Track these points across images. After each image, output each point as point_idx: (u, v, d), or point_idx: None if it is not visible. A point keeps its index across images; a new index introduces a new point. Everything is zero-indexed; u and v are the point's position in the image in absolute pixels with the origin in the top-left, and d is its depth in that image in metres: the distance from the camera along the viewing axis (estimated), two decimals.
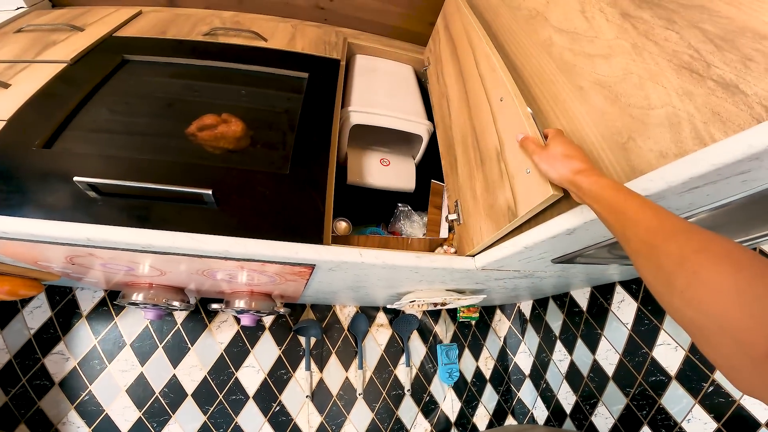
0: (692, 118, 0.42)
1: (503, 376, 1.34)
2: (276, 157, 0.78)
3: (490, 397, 1.28)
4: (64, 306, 1.02)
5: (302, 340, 1.14)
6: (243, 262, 0.67)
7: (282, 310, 0.97)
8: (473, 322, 1.35)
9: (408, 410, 1.18)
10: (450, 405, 1.23)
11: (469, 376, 1.28)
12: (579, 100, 0.57)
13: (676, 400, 0.87)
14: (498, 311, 1.42)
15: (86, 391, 0.98)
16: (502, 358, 1.36)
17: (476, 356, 1.32)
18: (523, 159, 0.58)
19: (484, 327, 1.37)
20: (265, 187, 0.68)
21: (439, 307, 1.01)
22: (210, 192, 0.62)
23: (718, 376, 0.80)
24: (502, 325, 1.40)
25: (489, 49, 0.76)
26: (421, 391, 1.21)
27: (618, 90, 0.51)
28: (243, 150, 0.80)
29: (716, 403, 0.80)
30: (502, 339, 1.38)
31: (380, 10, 1.14)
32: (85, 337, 1.01)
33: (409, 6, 1.14)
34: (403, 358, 1.22)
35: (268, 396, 1.08)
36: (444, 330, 1.30)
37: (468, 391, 1.27)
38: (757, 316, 0.25)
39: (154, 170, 0.67)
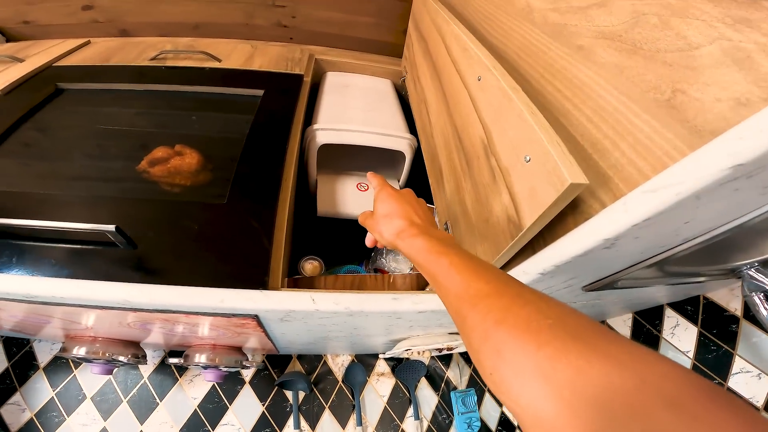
0: (766, 47, 0.24)
1: None
2: (213, 183, 0.63)
3: None
4: (21, 357, 0.90)
5: (289, 394, 0.94)
6: (166, 315, 0.50)
7: (254, 365, 0.79)
8: None
9: None
10: None
11: (493, 425, 1.03)
12: (582, 62, 0.39)
13: None
14: None
15: None
16: None
17: (499, 401, 1.06)
18: (521, 141, 0.39)
19: None
20: (194, 220, 0.52)
21: (445, 352, 0.79)
22: (113, 228, 0.46)
23: None
24: None
25: (457, 29, 0.60)
26: None
27: (633, 37, 0.34)
28: (203, 185, 0.65)
29: None
30: None
31: (348, 22, 1.02)
32: (42, 389, 0.88)
33: (377, 15, 1.01)
34: (410, 411, 0.99)
35: None
36: (458, 374, 1.06)
37: None
38: (571, 408, 0.18)
39: (60, 206, 0.53)
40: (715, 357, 0.71)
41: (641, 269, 0.42)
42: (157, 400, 0.89)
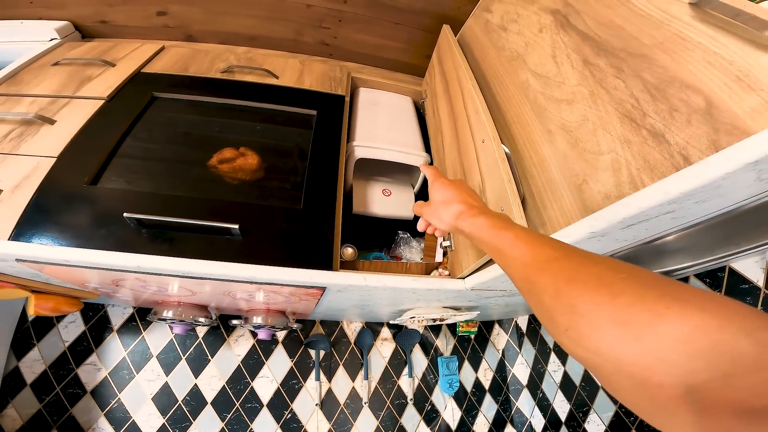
0: (629, 164, 0.51)
1: (502, 387, 1.43)
2: (289, 190, 0.90)
3: (489, 407, 1.37)
4: (97, 321, 1.14)
5: (312, 352, 1.25)
6: (265, 286, 0.79)
7: (294, 326, 1.09)
8: (472, 336, 1.44)
9: (411, 418, 1.28)
10: (451, 414, 1.32)
11: (468, 387, 1.38)
12: (548, 143, 0.66)
13: None
14: (496, 325, 1.51)
15: (115, 399, 1.10)
16: (501, 370, 1.45)
17: (476, 368, 1.42)
18: (499, 196, 0.69)
19: (483, 340, 1.47)
20: (282, 220, 0.80)
21: (438, 323, 1.11)
22: (237, 226, 0.74)
23: None
24: (500, 338, 1.50)
25: (474, 91, 0.86)
26: (423, 400, 1.31)
27: (577, 135, 0.60)
28: (258, 181, 0.92)
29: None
30: (500, 351, 1.48)
31: (380, 45, 1.27)
32: (115, 350, 1.13)
33: (406, 41, 1.27)
34: (405, 370, 1.32)
35: (280, 404, 1.19)
36: (445, 343, 1.40)
37: (468, 400, 1.36)
38: (650, 349, 0.21)
39: (187, 206, 0.79)
40: None
41: None
42: (209, 357, 1.18)
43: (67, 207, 0.74)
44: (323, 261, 0.77)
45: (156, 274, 0.73)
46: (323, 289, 0.80)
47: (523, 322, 1.44)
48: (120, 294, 0.97)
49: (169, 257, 0.71)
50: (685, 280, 0.91)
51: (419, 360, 1.35)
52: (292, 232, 0.79)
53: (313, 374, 1.23)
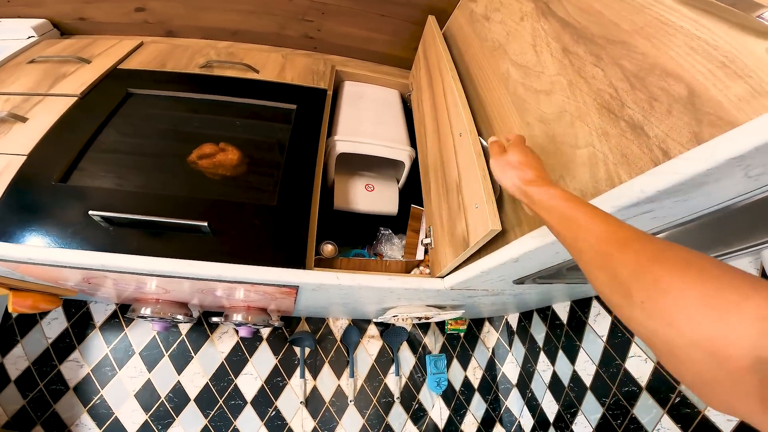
0: (606, 159, 0.47)
1: (491, 386, 1.39)
2: (267, 185, 0.87)
3: (478, 406, 1.34)
4: (79, 318, 1.12)
5: (297, 350, 1.22)
6: (235, 284, 0.75)
7: (277, 323, 1.06)
8: (461, 334, 1.41)
9: (397, 417, 1.25)
10: (438, 413, 1.29)
11: (457, 386, 1.34)
12: (528, 136, 0.62)
13: (646, 410, 0.92)
14: (487, 323, 1.47)
15: (98, 396, 1.08)
16: (491, 368, 1.42)
17: (465, 366, 1.38)
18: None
19: (473, 338, 1.43)
20: (255, 217, 0.76)
21: (424, 321, 1.07)
22: (206, 224, 0.70)
23: (684, 388, 0.85)
24: (490, 336, 1.46)
25: (454, 83, 0.82)
26: (410, 399, 1.28)
27: (555, 128, 0.56)
28: (240, 176, 0.88)
29: (683, 414, 0.85)
30: (490, 350, 1.44)
31: (365, 38, 1.23)
32: (98, 346, 1.11)
33: (393, 33, 1.22)
34: (392, 368, 1.29)
35: (264, 401, 1.16)
36: (433, 341, 1.37)
37: (456, 399, 1.33)
38: (731, 325, 0.24)
39: (157, 203, 0.75)
40: (618, 342, 1.00)
41: (545, 273, 0.69)
42: (192, 354, 1.16)
43: (36, 205, 0.71)
44: (296, 259, 0.74)
45: (123, 272, 0.70)
46: (296, 288, 0.76)
47: (513, 320, 1.40)
48: (99, 291, 0.95)
49: (133, 255, 0.68)
50: None
51: (407, 358, 1.32)
52: (264, 229, 0.75)
53: (298, 372, 1.20)
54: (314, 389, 1.21)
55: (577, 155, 0.52)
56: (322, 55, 1.23)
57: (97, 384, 1.08)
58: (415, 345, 1.34)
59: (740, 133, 0.35)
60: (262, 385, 1.17)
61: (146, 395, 1.10)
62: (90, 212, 0.68)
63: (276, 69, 1.08)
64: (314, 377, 1.22)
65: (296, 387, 1.19)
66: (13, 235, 0.67)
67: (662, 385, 0.89)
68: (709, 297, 0.25)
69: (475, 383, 1.37)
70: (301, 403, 1.17)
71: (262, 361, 1.19)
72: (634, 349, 0.96)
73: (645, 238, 0.32)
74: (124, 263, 0.67)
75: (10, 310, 0.89)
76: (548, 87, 0.60)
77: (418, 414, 1.27)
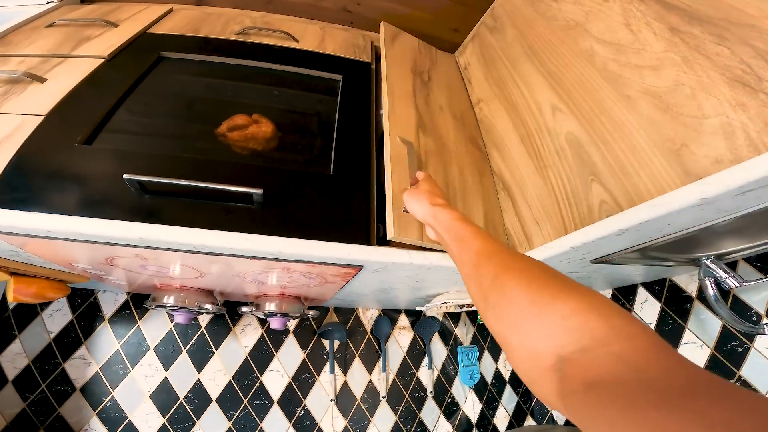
0: (746, 127, 0.46)
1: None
2: (313, 156, 0.80)
3: (509, 399, 1.31)
4: (86, 309, 1.02)
5: (326, 343, 1.16)
6: (289, 264, 0.69)
7: (311, 313, 0.99)
8: None
9: (430, 412, 1.20)
10: (471, 406, 1.26)
11: (489, 378, 1.31)
12: (627, 109, 0.61)
13: None
14: None
15: (109, 397, 0.98)
16: None
17: (495, 358, 1.35)
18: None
19: None
20: (310, 187, 0.70)
21: (463, 309, 1.03)
22: (260, 192, 0.63)
23: (744, 372, 0.84)
24: None
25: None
26: (442, 393, 1.24)
27: (669, 100, 0.55)
28: (270, 151, 0.82)
29: None
30: None
31: (405, 15, 1.18)
32: (107, 341, 1.02)
33: (434, 11, 1.18)
34: (425, 361, 1.24)
35: (292, 400, 1.09)
36: (464, 332, 1.33)
37: (488, 392, 1.30)
38: (544, 325, 0.27)
39: (198, 168, 0.69)
40: (670, 329, 0.99)
41: (632, 252, 0.66)
42: (213, 349, 1.08)
43: (55, 169, 0.63)
44: (360, 235, 0.68)
45: (161, 249, 0.63)
46: (359, 267, 0.70)
47: None
48: (113, 277, 0.86)
49: (181, 228, 0.60)
50: (733, 264, 0.86)
51: (438, 350, 1.28)
52: (322, 200, 0.70)
53: (327, 367, 1.14)
54: (344, 385, 1.15)
55: (704, 125, 0.51)
56: (360, 30, 1.17)
57: (107, 384, 0.99)
58: (446, 336, 1.30)
59: None
60: (290, 382, 1.10)
61: (163, 396, 1.01)
62: (125, 176, 0.60)
63: (316, 40, 1.03)
64: (344, 372, 1.16)
65: (326, 383, 1.12)
66: (25, 202, 0.58)
67: (721, 372, 0.88)
68: (532, 300, 0.30)
69: (506, 375, 1.35)
70: (331, 401, 1.11)
71: (289, 356, 1.12)
72: (687, 335, 0.95)
73: (506, 251, 0.38)
74: (166, 237, 0.60)
75: (9, 299, 0.80)
76: (655, 63, 0.59)
77: (450, 408, 1.23)
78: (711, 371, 0.91)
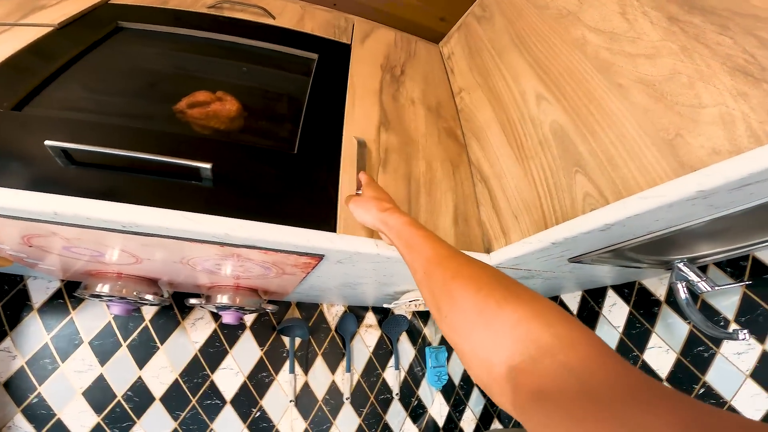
0: (747, 117, 0.43)
1: None
2: (280, 134, 0.73)
3: (477, 401, 1.28)
4: (13, 297, 0.90)
5: (286, 340, 1.08)
6: (241, 250, 0.60)
7: (269, 308, 0.91)
8: None
9: (396, 415, 1.15)
10: (438, 409, 1.21)
11: (457, 380, 1.27)
12: (618, 98, 0.57)
13: None
14: None
15: (35, 393, 0.87)
16: None
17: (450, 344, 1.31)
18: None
19: None
20: (270, 165, 0.63)
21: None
22: (209, 166, 0.55)
23: (709, 378, 0.83)
24: None
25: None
26: (409, 395, 1.18)
27: (664, 89, 0.52)
28: (234, 131, 0.74)
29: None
30: None
31: (393, 1, 1.12)
32: (35, 333, 0.90)
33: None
34: (391, 361, 1.18)
35: (247, 401, 1.00)
36: (433, 332, 1.28)
37: (456, 394, 1.25)
38: (494, 333, 0.27)
39: (139, 139, 0.60)
40: (638, 332, 0.98)
41: (608, 251, 0.63)
42: (158, 344, 0.97)
43: None
44: (323, 221, 0.61)
45: (82, 226, 0.53)
46: (320, 257, 0.63)
47: None
48: (39, 260, 0.75)
49: (104, 202, 0.52)
50: (704, 268, 0.85)
51: (406, 350, 1.22)
52: (282, 181, 0.62)
53: (286, 366, 1.06)
54: (305, 386, 1.07)
55: (702, 114, 0.47)
56: (342, 13, 1.09)
57: (33, 379, 0.88)
58: (414, 335, 1.25)
59: None
60: (245, 381, 1.01)
61: (98, 394, 0.91)
62: (46, 142, 0.51)
63: (294, 18, 0.95)
64: (305, 372, 1.08)
65: (285, 383, 1.04)
66: None
67: (685, 376, 0.87)
68: (480, 309, 0.29)
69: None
70: (290, 401, 1.03)
71: (245, 353, 1.03)
72: (654, 339, 0.94)
73: (456, 257, 0.37)
74: (85, 211, 0.51)
75: None
76: (650, 51, 0.55)
77: (417, 411, 1.18)
78: (677, 376, 0.91)
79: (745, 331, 0.76)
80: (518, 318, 0.27)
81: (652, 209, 0.47)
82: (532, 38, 0.79)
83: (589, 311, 1.10)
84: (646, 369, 0.94)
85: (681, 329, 0.88)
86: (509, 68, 0.83)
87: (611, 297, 1.05)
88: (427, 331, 1.27)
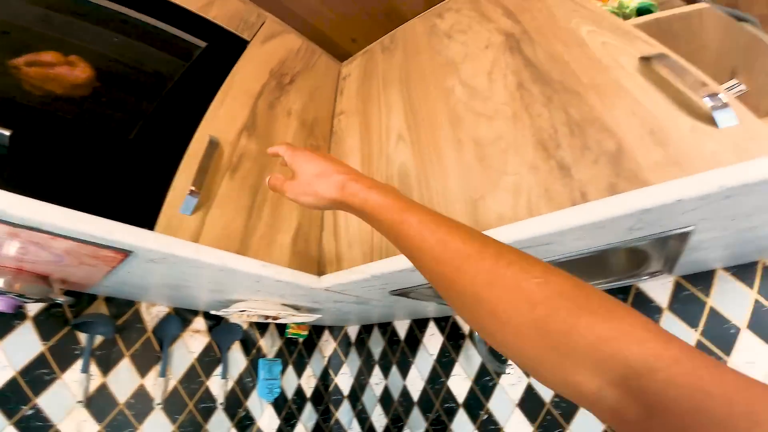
0: (531, 190, 0.51)
1: (323, 396, 1.34)
2: (112, 119, 0.63)
3: (309, 416, 1.27)
4: None
5: (83, 337, 0.91)
6: (22, 230, 0.49)
7: (60, 299, 0.76)
8: (301, 340, 1.32)
9: (219, 424, 1.05)
10: (268, 422, 1.16)
11: (290, 394, 1.25)
12: (454, 152, 0.63)
13: (462, 425, 1.02)
14: (326, 331, 1.43)
15: None
16: (324, 378, 1.37)
17: (299, 373, 1.30)
18: None
19: (311, 345, 1.36)
20: (92, 146, 0.54)
21: (269, 321, 0.95)
22: (7, 134, 0.45)
23: (491, 405, 0.97)
24: (328, 345, 1.42)
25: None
26: (236, 405, 1.11)
27: (487, 151, 0.59)
28: (74, 99, 0.63)
29: (488, 429, 0.97)
30: (326, 359, 1.40)
31: (314, 9, 1.10)
32: None
33: (342, 16, 1.13)
34: (218, 369, 1.10)
35: (16, 397, 0.81)
36: (270, 344, 1.24)
37: (288, 408, 1.22)
38: (569, 355, 0.24)
39: None
40: (446, 361, 1.10)
41: (427, 289, 0.70)
42: None
43: None
44: (140, 215, 0.54)
45: None
46: (127, 253, 0.56)
47: (353, 331, 1.41)
48: None
49: None
50: None
51: (237, 360, 1.15)
52: (102, 164, 0.54)
53: (78, 364, 0.89)
54: (103, 387, 0.91)
55: (503, 181, 0.55)
56: (257, 7, 1.01)
57: None
58: (248, 346, 1.19)
59: (650, 192, 0.41)
60: (14, 377, 0.82)
61: None
62: None
63: (202, 0, 0.84)
64: (104, 373, 0.92)
65: (72, 383, 0.87)
66: None
67: (476, 403, 1.00)
68: (540, 326, 0.25)
69: (308, 392, 1.30)
70: (78, 402, 0.86)
71: (20, 346, 0.83)
72: (457, 368, 1.07)
73: (477, 254, 0.29)
74: None
75: None
76: (492, 113, 0.63)
77: (244, 422, 1.11)
78: (469, 402, 1.04)
79: (510, 365, 0.92)
80: (596, 339, 0.23)
81: None
82: (416, 79, 0.84)
83: (414, 338, 1.21)
84: (449, 394, 1.07)
85: (476, 361, 1.03)
86: (387, 102, 0.87)
87: (431, 327, 1.17)
88: (264, 342, 1.23)
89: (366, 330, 1.36)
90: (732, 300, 0.74)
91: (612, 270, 0.79)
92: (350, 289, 0.72)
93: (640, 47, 0.54)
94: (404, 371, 1.20)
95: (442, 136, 0.68)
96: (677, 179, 0.39)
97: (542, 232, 0.47)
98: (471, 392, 1.02)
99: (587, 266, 0.76)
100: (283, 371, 1.24)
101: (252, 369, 1.18)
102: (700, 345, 0.75)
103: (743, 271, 0.74)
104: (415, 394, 1.15)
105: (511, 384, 0.95)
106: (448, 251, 0.29)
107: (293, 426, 1.23)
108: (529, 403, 0.91)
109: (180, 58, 0.77)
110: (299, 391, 1.28)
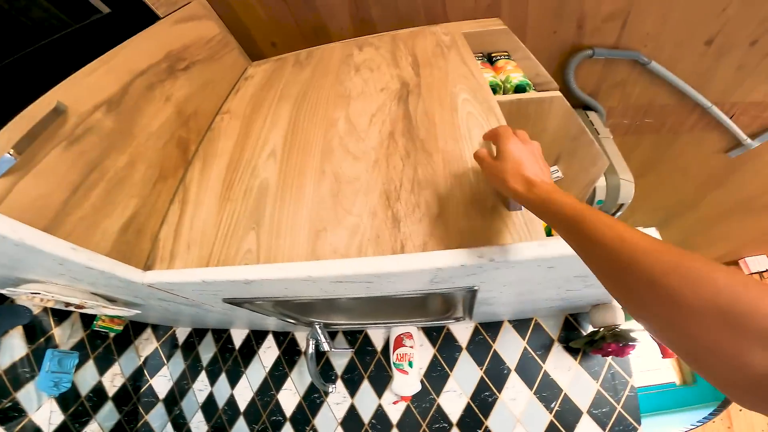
0: (365, 233, 0.57)
1: (132, 397, 1.19)
2: None
3: (108, 416, 1.10)
4: None
5: None
6: None
7: None
8: (112, 335, 1.16)
9: None
10: (47, 416, 0.96)
11: (84, 391, 1.07)
12: (314, 182, 0.66)
13: None
14: (149, 330, 1.29)
15: None
16: (136, 378, 1.22)
17: (102, 371, 1.12)
18: None
19: (125, 342, 1.20)
20: None
21: (71, 309, 0.81)
22: None
23: (317, 421, 1.01)
24: (148, 344, 1.27)
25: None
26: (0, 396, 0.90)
27: (343, 188, 0.63)
28: None
29: None
30: (142, 359, 1.25)
31: (248, 3, 1.05)
32: None
33: (271, 18, 1.10)
34: None
35: None
36: (67, 335, 1.05)
37: (80, 405, 1.04)
38: (746, 335, 0.25)
39: None
40: (279, 375, 1.11)
41: (264, 302, 0.71)
42: None
43: None
44: None
45: None
46: None
47: (182, 333, 1.30)
48: None
49: None
50: (335, 333, 1.07)
51: (14, 346, 0.94)
52: None
53: None
54: None
55: (346, 219, 0.60)
56: None
57: None
58: (36, 333, 0.99)
59: (449, 255, 0.51)
60: None
61: None
62: None
63: None
64: None
65: None
66: None
67: (303, 417, 1.03)
68: (725, 311, 0.27)
69: (111, 391, 1.13)
70: None
71: None
72: (288, 383, 1.10)
73: (656, 249, 0.32)
74: None
75: None
76: (360, 154, 0.68)
77: (8, 414, 0.90)
78: (296, 417, 1.05)
79: (334, 385, 0.99)
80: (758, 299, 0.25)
81: (279, 279, 0.56)
82: (311, 101, 0.84)
83: (249, 349, 1.18)
84: (277, 406, 1.07)
85: (308, 377, 1.06)
86: (275, 115, 0.84)
87: (269, 340, 1.16)
88: (59, 332, 1.03)
89: (198, 334, 1.28)
90: (509, 347, 0.93)
91: (429, 311, 0.92)
92: (179, 290, 0.68)
93: (492, 123, 0.65)
94: (234, 380, 1.16)
95: (310, 164, 0.69)
96: (459, 249, 0.50)
97: (363, 271, 0.53)
98: (299, 407, 1.05)
99: (412, 305, 0.88)
100: (79, 365, 1.06)
101: (33, 359, 0.98)
102: (481, 381, 0.92)
103: (521, 325, 0.95)
104: (243, 405, 1.12)
105: (336, 403, 1.01)
106: (626, 245, 0.32)
107: (85, 424, 1.05)
108: (350, 422, 0.98)
109: (72, 18, 0.67)
110: (99, 389, 1.11)
